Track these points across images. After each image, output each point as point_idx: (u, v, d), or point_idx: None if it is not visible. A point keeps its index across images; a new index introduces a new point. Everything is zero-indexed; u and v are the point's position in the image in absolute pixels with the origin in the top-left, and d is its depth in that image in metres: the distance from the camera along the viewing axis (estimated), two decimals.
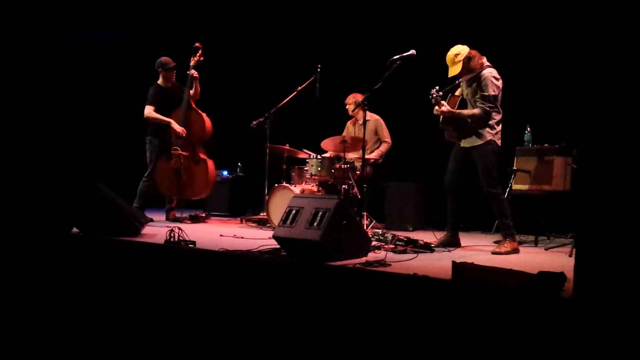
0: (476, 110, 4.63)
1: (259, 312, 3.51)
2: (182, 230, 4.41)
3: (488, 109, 4.59)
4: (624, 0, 2.55)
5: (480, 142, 4.64)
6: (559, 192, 5.19)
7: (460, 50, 4.64)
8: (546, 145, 5.34)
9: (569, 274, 2.79)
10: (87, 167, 7.17)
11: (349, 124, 6.77)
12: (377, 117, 6.53)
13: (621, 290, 2.46)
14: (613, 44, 2.57)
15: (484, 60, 4.69)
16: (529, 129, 5.46)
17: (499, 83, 4.63)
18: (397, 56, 4.89)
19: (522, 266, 3.42)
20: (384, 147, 6.50)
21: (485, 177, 4.59)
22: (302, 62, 6.78)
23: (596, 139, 2.63)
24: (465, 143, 4.76)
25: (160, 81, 6.45)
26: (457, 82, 4.83)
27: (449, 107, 4.66)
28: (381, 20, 6.89)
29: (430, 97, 4.66)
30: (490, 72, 4.62)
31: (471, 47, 4.71)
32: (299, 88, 6.42)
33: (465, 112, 4.70)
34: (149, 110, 6.32)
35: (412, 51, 4.89)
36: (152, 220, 5.79)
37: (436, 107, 4.73)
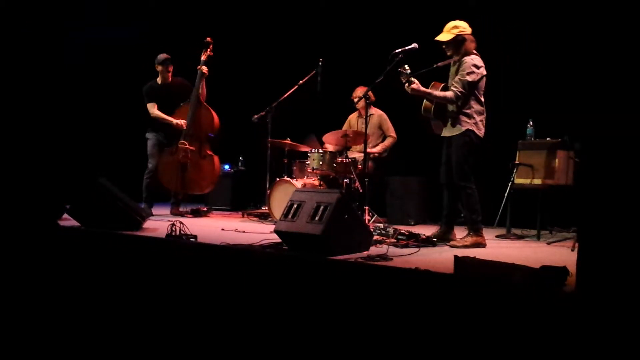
0: (448, 93, 4.45)
1: (260, 307, 3.51)
2: (183, 224, 4.40)
3: (459, 93, 4.39)
4: None
5: (457, 132, 4.51)
6: (561, 186, 5.17)
7: (461, 25, 4.50)
8: (548, 139, 5.31)
9: (572, 268, 2.78)
10: (89, 161, 7.17)
11: (352, 117, 6.72)
12: (381, 112, 6.50)
13: (623, 285, 2.45)
14: (615, 38, 2.55)
15: (473, 47, 4.52)
16: (531, 122, 5.43)
17: (480, 71, 4.45)
18: (399, 50, 4.86)
19: (524, 260, 3.41)
20: (388, 142, 6.47)
21: (457, 169, 4.49)
22: (304, 56, 6.76)
23: (598, 132, 2.62)
24: (445, 132, 4.65)
25: (158, 78, 6.46)
26: (435, 65, 4.65)
27: (419, 85, 4.48)
28: (383, 14, 6.86)
29: (400, 74, 4.51)
30: (472, 59, 4.45)
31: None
32: (301, 82, 6.40)
33: (435, 92, 4.50)
34: (151, 109, 6.35)
35: (415, 44, 4.85)
36: (152, 214, 5.79)
37: (406, 85, 4.54)
